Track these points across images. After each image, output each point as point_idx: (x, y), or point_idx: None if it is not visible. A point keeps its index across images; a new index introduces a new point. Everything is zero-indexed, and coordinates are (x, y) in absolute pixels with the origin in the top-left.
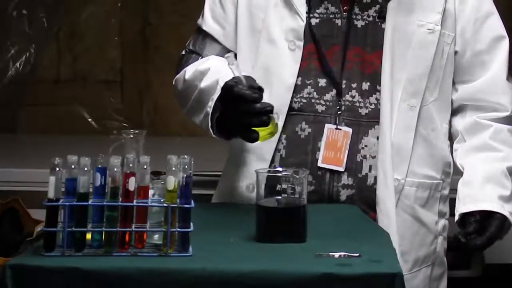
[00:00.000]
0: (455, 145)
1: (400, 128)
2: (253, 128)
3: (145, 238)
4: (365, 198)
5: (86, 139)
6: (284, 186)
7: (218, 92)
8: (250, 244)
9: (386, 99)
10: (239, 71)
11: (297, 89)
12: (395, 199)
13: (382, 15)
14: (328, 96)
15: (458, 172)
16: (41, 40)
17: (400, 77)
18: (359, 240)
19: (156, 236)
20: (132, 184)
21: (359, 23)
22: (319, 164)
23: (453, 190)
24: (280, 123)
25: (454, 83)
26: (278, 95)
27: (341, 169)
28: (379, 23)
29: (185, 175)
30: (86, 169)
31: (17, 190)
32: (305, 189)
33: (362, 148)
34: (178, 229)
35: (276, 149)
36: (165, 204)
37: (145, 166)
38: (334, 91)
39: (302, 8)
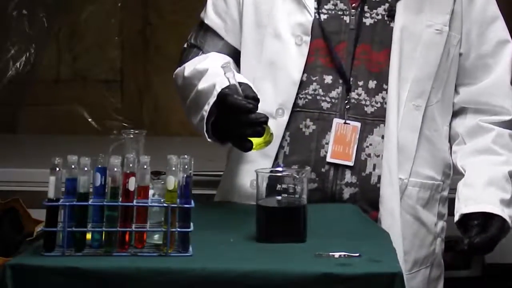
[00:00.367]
0: (454, 147)
1: (405, 128)
2: (248, 138)
3: (145, 238)
4: (368, 197)
5: (86, 139)
6: (284, 186)
7: (214, 97)
8: (250, 244)
9: (393, 98)
10: (235, 79)
11: (302, 85)
12: (399, 198)
13: (391, 14)
14: (334, 93)
15: (456, 173)
16: (41, 40)
17: (407, 77)
18: (359, 240)
19: (156, 236)
20: (132, 184)
21: (368, 21)
22: (328, 159)
23: (452, 190)
24: (285, 119)
25: (456, 85)
26: (283, 91)
27: (350, 163)
28: (388, 22)
29: (185, 175)
30: (86, 169)
31: (17, 190)
32: (306, 189)
33: (367, 146)
34: (178, 229)
35: (280, 146)
36: (165, 204)
37: (145, 166)
38: (340, 88)
39: (310, 3)
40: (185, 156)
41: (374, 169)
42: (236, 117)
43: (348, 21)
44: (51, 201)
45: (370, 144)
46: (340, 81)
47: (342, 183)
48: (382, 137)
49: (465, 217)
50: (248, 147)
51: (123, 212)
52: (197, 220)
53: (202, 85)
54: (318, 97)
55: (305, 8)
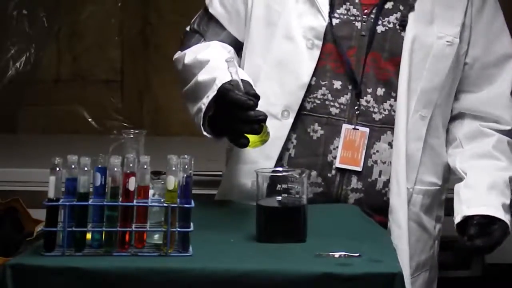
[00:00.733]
0: (451, 150)
1: (411, 138)
2: (245, 134)
3: (145, 238)
4: (373, 203)
5: (86, 139)
6: (284, 186)
7: (214, 92)
8: (250, 244)
9: (403, 109)
10: (237, 75)
11: (310, 89)
12: (407, 208)
13: (403, 24)
14: (343, 99)
15: (453, 175)
16: (41, 40)
17: (416, 88)
18: (359, 240)
19: (156, 236)
20: (132, 184)
21: (379, 29)
22: (337, 164)
23: (449, 190)
24: (290, 121)
25: (457, 91)
26: (290, 93)
27: (359, 169)
28: (399, 31)
29: (185, 175)
30: (86, 169)
31: (17, 190)
32: (305, 189)
33: (374, 153)
34: (178, 229)
35: (285, 148)
36: (165, 204)
37: (145, 166)
38: (349, 94)
39: (325, 7)
40: (185, 156)
41: (380, 175)
42: (235, 113)
43: (359, 27)
44: (51, 201)
45: (377, 151)
46: (349, 87)
47: (348, 189)
48: (389, 144)
49: (466, 219)
50: (244, 143)
51: (123, 212)
52: (197, 220)
53: (202, 76)
54: (326, 102)
55: (319, 12)
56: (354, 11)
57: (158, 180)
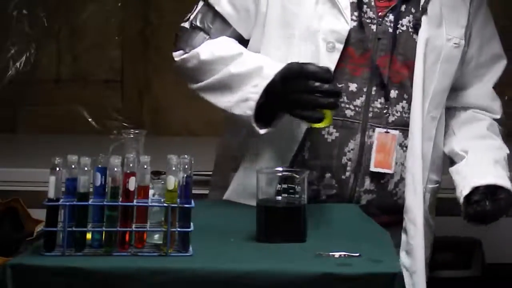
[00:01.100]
0: (444, 140)
1: (424, 139)
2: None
3: (145, 238)
4: (384, 203)
5: (86, 139)
6: (284, 186)
7: (266, 79)
8: (250, 244)
9: (418, 111)
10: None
11: None
12: (423, 207)
13: (416, 27)
14: (358, 102)
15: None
16: (41, 40)
17: (428, 90)
18: (359, 240)
19: (156, 236)
20: (132, 184)
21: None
22: (372, 168)
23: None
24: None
25: None
26: None
27: (391, 171)
28: (411, 34)
29: (185, 175)
30: (86, 169)
31: (17, 190)
32: (305, 189)
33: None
34: (178, 229)
35: (299, 150)
36: (165, 204)
37: (145, 166)
38: (364, 96)
39: (347, 10)
40: (185, 156)
41: (392, 176)
42: (312, 86)
43: (375, 30)
44: (51, 201)
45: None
46: (365, 89)
47: (361, 190)
48: (400, 145)
49: (473, 190)
50: (320, 117)
51: (123, 212)
52: (197, 220)
53: (240, 68)
54: (342, 105)
55: (341, 14)
56: (370, 13)
57: (158, 180)
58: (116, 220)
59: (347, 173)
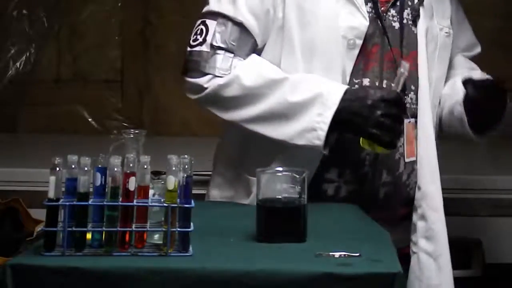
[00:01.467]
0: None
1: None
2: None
3: (145, 237)
4: (400, 195)
5: (86, 139)
6: (284, 186)
7: (331, 108)
8: (250, 244)
9: (426, 100)
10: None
11: None
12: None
13: (414, 18)
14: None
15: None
16: (41, 40)
17: (431, 78)
18: (359, 240)
19: (156, 236)
20: (132, 184)
21: (396, 25)
22: (406, 159)
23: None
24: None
25: None
26: None
27: (415, 158)
28: (411, 26)
29: (185, 175)
30: (86, 169)
31: (18, 189)
32: (306, 189)
33: (400, 145)
34: (178, 229)
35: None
36: (165, 204)
37: (145, 166)
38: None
39: (363, 6)
40: (185, 156)
41: (405, 167)
42: (397, 113)
43: (381, 25)
44: (51, 201)
45: (403, 144)
46: (376, 83)
47: (380, 183)
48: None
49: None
50: (396, 143)
51: (123, 212)
52: (197, 220)
53: (297, 96)
54: None
55: (358, 11)
56: (376, 9)
57: (158, 180)
58: (116, 220)
59: (366, 168)
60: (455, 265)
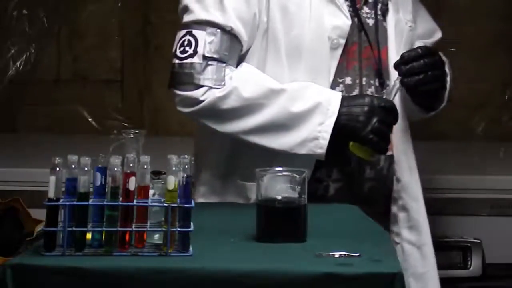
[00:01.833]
0: None
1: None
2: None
3: (145, 237)
4: (383, 189)
5: (86, 138)
6: (284, 186)
7: (332, 116)
8: (250, 244)
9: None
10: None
11: (331, 88)
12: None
13: (384, 13)
14: (354, 94)
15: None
16: (41, 40)
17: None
18: (359, 240)
19: (156, 236)
20: (132, 184)
21: (370, 21)
22: (389, 152)
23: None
24: None
25: None
26: None
27: (392, 153)
28: (382, 20)
29: (185, 175)
30: (86, 168)
31: (18, 189)
32: (306, 189)
33: None
34: (179, 229)
35: None
36: (165, 204)
37: (145, 166)
38: (358, 88)
39: (344, 6)
40: (185, 156)
41: (385, 161)
42: (390, 119)
43: (357, 23)
44: (51, 200)
45: None
46: (357, 81)
47: (364, 179)
48: None
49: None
50: (387, 149)
51: (123, 212)
52: (197, 220)
53: (298, 106)
54: None
55: (340, 10)
56: (353, 7)
57: (158, 180)
58: (116, 220)
59: (352, 165)
60: (455, 265)
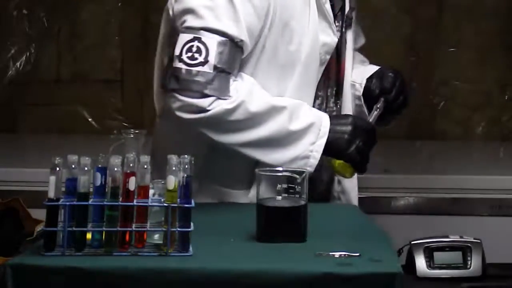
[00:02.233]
0: None
1: None
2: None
3: (145, 237)
4: (319, 192)
5: (86, 138)
6: (284, 186)
7: (323, 137)
8: (250, 244)
9: (349, 102)
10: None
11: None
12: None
13: (348, 26)
14: (330, 105)
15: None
16: (41, 40)
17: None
18: (359, 240)
19: (156, 236)
20: (132, 184)
21: (338, 35)
22: None
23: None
24: None
25: None
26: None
27: None
28: (344, 34)
29: (185, 175)
30: (86, 168)
31: (18, 189)
32: (306, 189)
33: None
34: (178, 229)
35: None
36: (165, 204)
37: (145, 166)
38: (320, 99)
39: (333, 24)
40: (185, 156)
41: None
42: (371, 141)
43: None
44: (51, 200)
45: None
46: (320, 93)
47: (320, 180)
48: None
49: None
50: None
51: (123, 212)
52: (197, 220)
53: (296, 125)
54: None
55: (329, 27)
56: (334, 23)
57: (158, 180)
58: (116, 220)
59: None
60: (455, 265)
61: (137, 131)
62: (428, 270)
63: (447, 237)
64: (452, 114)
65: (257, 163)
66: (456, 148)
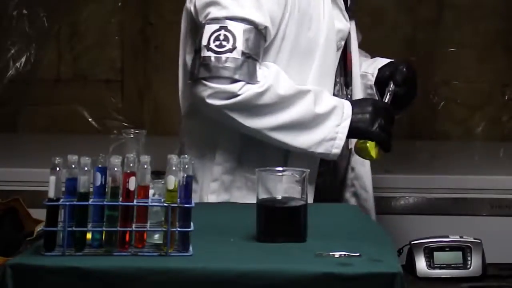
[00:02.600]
0: None
1: None
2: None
3: (145, 237)
4: (334, 182)
5: (86, 138)
6: (284, 186)
7: (347, 118)
8: (250, 244)
9: (358, 90)
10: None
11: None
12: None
13: (354, 15)
14: (345, 93)
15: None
16: (41, 40)
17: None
18: (359, 240)
19: (156, 236)
20: (132, 184)
21: (349, 22)
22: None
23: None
24: None
25: None
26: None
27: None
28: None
29: (185, 175)
30: (86, 168)
31: (18, 189)
32: (306, 189)
33: None
34: (179, 229)
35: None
36: (165, 204)
37: (145, 166)
38: (338, 85)
39: (344, 11)
40: (185, 156)
41: (345, 151)
42: (391, 119)
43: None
44: (51, 200)
45: None
46: (337, 79)
47: (341, 170)
48: None
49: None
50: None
51: (124, 212)
52: (197, 220)
53: (321, 108)
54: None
55: (342, 14)
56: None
57: (159, 180)
58: (116, 220)
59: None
60: (455, 265)
61: (137, 131)
62: (428, 270)
63: (447, 237)
64: (452, 114)
65: (288, 153)
66: (456, 148)
